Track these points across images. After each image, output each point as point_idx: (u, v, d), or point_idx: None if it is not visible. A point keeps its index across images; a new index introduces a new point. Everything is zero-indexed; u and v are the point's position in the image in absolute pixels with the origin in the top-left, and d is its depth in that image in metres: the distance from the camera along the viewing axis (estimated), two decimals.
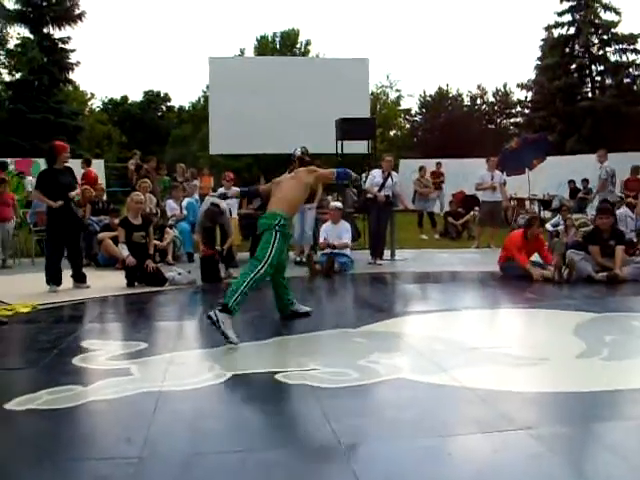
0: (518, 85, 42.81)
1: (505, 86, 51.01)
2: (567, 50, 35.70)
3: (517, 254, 9.48)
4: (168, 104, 56.64)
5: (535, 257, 9.81)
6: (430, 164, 20.17)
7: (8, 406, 4.10)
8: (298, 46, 44.49)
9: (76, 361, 5.17)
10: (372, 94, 35.13)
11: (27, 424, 3.92)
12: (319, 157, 13.72)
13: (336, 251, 10.46)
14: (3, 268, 11.30)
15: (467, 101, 51.73)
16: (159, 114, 55.70)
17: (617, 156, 17.83)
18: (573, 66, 35.79)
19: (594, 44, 35.37)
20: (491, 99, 51.88)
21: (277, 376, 4.65)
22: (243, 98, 16.01)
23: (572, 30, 35.43)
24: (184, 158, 32.93)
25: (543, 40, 37.78)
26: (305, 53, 43.41)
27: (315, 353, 5.43)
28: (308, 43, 44.88)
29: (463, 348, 5.52)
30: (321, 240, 10.69)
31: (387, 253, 11.86)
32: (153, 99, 55.47)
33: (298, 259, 11.47)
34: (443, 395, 4.31)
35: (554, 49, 36.01)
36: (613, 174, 14.70)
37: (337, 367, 4.85)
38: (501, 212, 14.02)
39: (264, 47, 43.15)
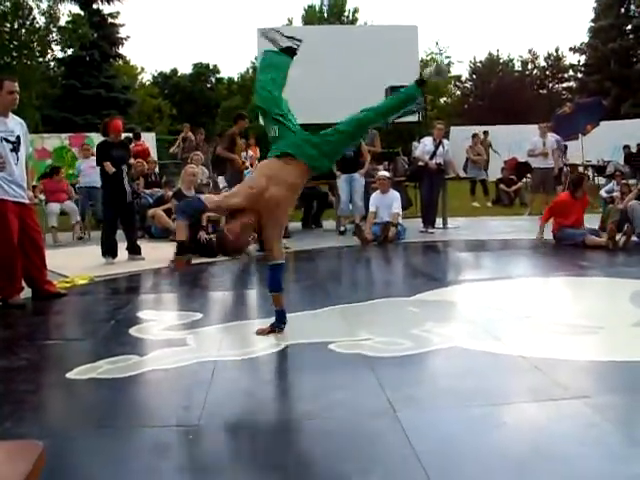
0: (571, 49, 41.82)
1: (557, 50, 49.69)
2: (622, 10, 34.62)
3: (546, 212, 9.79)
4: (217, 76, 56.49)
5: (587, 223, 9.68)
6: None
7: (70, 375, 4.21)
8: (346, 14, 44.16)
9: (133, 332, 5.27)
10: (421, 61, 34.63)
11: (88, 392, 4.03)
12: None
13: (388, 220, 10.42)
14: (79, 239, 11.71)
15: (518, 66, 50.63)
16: (208, 86, 55.53)
17: None
18: (629, 27, 34.66)
19: None
20: (543, 64, 50.72)
21: (331, 346, 4.67)
22: (291, 68, 15.96)
23: None
24: None
25: (597, 1, 36.67)
26: (353, 21, 43.07)
27: (368, 322, 5.43)
28: (356, 11, 44.59)
29: (517, 316, 5.49)
30: (371, 210, 10.64)
31: (439, 221, 11.82)
32: (202, 71, 55.32)
33: (342, 229, 11.43)
34: (497, 363, 4.28)
35: (608, 10, 34.92)
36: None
37: (390, 336, 4.86)
38: (553, 179, 13.78)
39: (311, 16, 42.93)
